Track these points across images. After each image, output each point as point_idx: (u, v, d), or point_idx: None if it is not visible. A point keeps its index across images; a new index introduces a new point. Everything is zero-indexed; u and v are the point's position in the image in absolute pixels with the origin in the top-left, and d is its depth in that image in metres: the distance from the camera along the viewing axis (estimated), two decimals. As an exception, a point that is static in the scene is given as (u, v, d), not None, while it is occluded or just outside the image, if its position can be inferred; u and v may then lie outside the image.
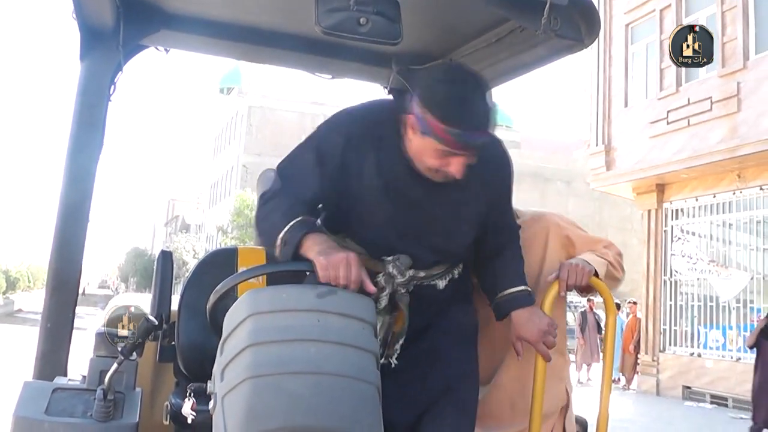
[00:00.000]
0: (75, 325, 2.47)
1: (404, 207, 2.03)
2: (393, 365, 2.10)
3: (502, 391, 2.41)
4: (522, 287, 2.24)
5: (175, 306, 2.73)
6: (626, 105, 14.85)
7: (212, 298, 2.00)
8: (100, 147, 2.53)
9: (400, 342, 2.11)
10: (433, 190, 2.01)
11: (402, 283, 2.05)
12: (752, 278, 12.65)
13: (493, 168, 2.12)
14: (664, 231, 14.44)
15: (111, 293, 54.66)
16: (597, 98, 15.44)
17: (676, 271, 14.12)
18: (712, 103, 12.37)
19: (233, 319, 1.79)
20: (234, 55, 3.19)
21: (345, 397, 1.71)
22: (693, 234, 14.02)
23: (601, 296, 2.43)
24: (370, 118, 2.08)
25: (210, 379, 1.83)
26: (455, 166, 1.91)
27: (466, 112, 1.86)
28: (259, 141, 38.20)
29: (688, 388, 13.50)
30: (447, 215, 2.08)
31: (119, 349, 2.24)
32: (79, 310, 2.53)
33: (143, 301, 2.99)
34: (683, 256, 13.98)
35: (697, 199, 13.76)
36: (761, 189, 12.38)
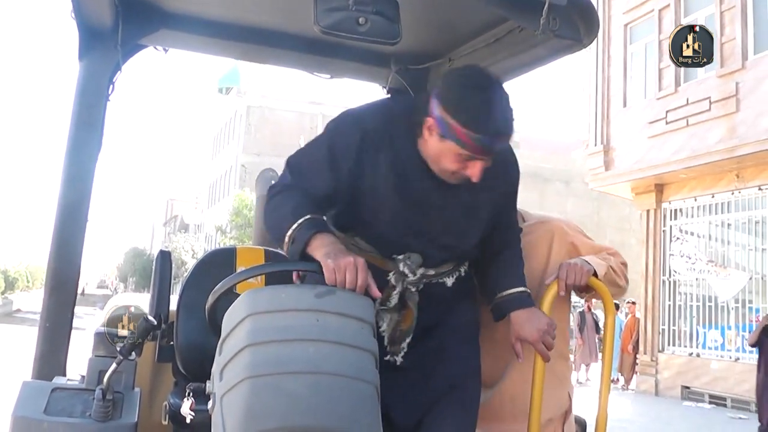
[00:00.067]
0: (74, 324, 2.47)
1: (416, 206, 2.04)
2: (398, 363, 2.11)
3: (507, 394, 2.41)
4: (521, 288, 2.24)
5: (173, 306, 2.73)
6: (625, 105, 14.86)
7: (211, 298, 2.00)
8: (99, 147, 2.53)
9: (407, 340, 2.12)
10: (444, 189, 2.02)
11: (413, 281, 2.07)
12: (751, 278, 12.65)
13: (502, 170, 2.13)
14: (663, 231, 14.44)
15: (110, 293, 54.64)
16: (596, 98, 15.45)
17: (675, 271, 14.13)
18: (710, 103, 12.38)
19: (232, 318, 1.79)
20: (233, 54, 3.20)
21: (344, 396, 1.71)
22: (692, 234, 14.02)
23: (600, 296, 2.43)
24: (383, 117, 2.08)
25: (209, 378, 1.83)
26: (474, 170, 1.93)
27: (489, 117, 1.88)
28: (257, 141, 38.18)
29: (687, 388, 13.51)
30: (457, 214, 2.09)
31: (118, 349, 2.24)
32: (77, 310, 2.53)
33: (142, 301, 2.99)
34: (682, 256, 13.98)
35: (695, 199, 13.77)
36: (760, 189, 12.39)
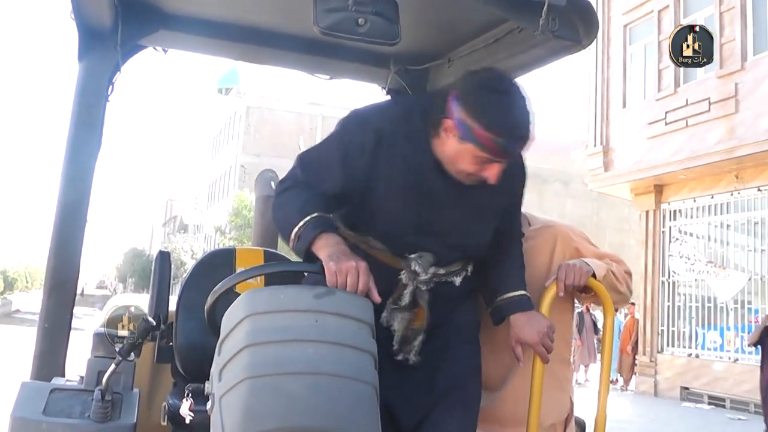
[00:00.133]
0: (73, 325, 2.47)
1: (428, 205, 2.05)
2: (411, 361, 2.12)
3: (510, 399, 2.40)
4: (522, 292, 2.25)
5: (173, 306, 2.73)
6: (624, 106, 14.86)
7: (210, 299, 2.00)
8: (98, 147, 2.53)
9: (420, 338, 2.12)
10: (456, 189, 2.03)
11: (424, 280, 2.08)
12: (750, 279, 12.66)
13: (511, 173, 2.13)
14: (662, 232, 14.45)
15: (109, 294, 54.64)
16: (595, 99, 15.45)
17: (674, 272, 14.13)
18: (710, 104, 12.39)
19: (231, 319, 1.79)
20: (232, 55, 3.20)
21: (342, 397, 1.71)
22: (691, 235, 14.03)
23: (599, 297, 2.43)
24: (397, 116, 2.09)
25: (208, 379, 1.83)
26: (491, 172, 1.95)
27: (511, 121, 1.90)
28: (257, 141, 38.19)
29: (686, 388, 13.51)
30: (468, 214, 2.10)
31: (117, 349, 2.24)
32: (76, 310, 2.53)
33: (141, 302, 2.99)
34: (681, 257, 13.98)
35: (695, 200, 13.78)
36: (759, 190, 12.39)
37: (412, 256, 2.06)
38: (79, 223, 2.48)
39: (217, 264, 2.73)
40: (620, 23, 15.06)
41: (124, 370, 2.26)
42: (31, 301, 36.68)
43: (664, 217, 14.49)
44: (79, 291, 2.64)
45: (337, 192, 2.04)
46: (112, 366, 2.18)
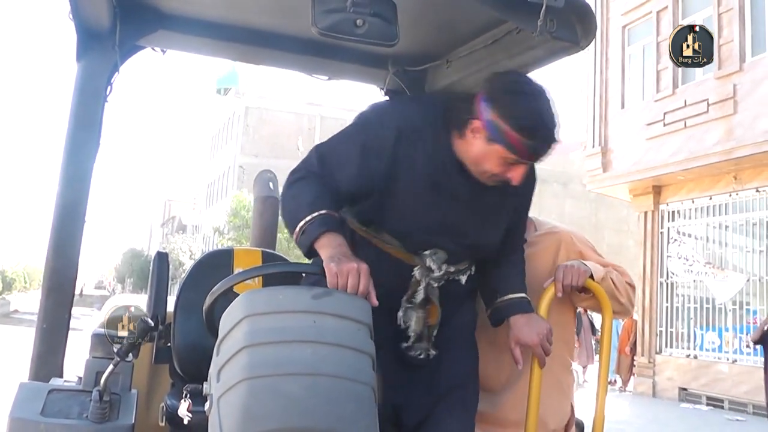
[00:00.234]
0: (71, 326, 2.47)
1: (446, 203, 2.06)
2: (430, 356, 2.14)
3: (511, 402, 2.40)
4: (522, 294, 2.26)
5: (171, 307, 2.72)
6: (623, 107, 14.87)
7: (209, 299, 2.00)
8: (97, 147, 2.53)
9: (434, 333, 2.15)
10: (475, 189, 2.05)
11: (437, 277, 2.09)
12: (748, 280, 12.66)
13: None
14: (661, 233, 14.45)
15: (108, 294, 54.59)
16: (594, 100, 15.46)
17: (673, 273, 14.13)
18: (708, 105, 12.40)
19: (229, 320, 1.79)
20: (231, 56, 3.19)
21: (341, 398, 1.71)
22: (689, 236, 14.03)
23: (598, 298, 2.43)
24: (418, 114, 2.10)
25: (206, 380, 1.83)
26: (516, 174, 1.97)
27: (542, 123, 1.92)
28: (255, 142, 38.15)
29: (685, 389, 13.51)
30: (483, 214, 2.12)
31: (115, 350, 2.24)
32: (75, 310, 2.53)
33: (140, 302, 2.99)
34: (679, 258, 13.99)
35: (693, 201, 13.78)
36: (757, 191, 12.40)
37: (427, 252, 2.08)
38: (77, 224, 2.48)
39: (216, 264, 2.73)
40: (619, 24, 15.07)
41: (123, 371, 2.26)
42: (29, 301, 36.68)
43: (662, 218, 14.49)
44: (77, 291, 2.64)
45: (352, 189, 2.04)
46: (111, 367, 2.18)
